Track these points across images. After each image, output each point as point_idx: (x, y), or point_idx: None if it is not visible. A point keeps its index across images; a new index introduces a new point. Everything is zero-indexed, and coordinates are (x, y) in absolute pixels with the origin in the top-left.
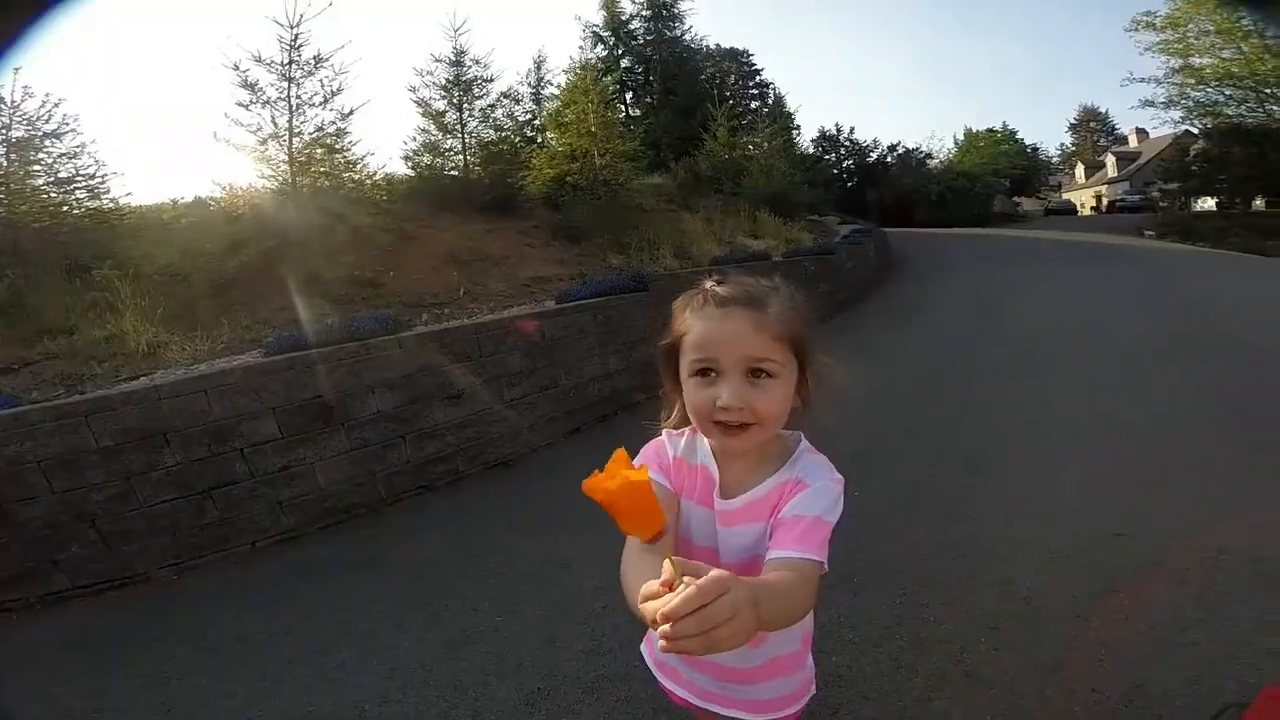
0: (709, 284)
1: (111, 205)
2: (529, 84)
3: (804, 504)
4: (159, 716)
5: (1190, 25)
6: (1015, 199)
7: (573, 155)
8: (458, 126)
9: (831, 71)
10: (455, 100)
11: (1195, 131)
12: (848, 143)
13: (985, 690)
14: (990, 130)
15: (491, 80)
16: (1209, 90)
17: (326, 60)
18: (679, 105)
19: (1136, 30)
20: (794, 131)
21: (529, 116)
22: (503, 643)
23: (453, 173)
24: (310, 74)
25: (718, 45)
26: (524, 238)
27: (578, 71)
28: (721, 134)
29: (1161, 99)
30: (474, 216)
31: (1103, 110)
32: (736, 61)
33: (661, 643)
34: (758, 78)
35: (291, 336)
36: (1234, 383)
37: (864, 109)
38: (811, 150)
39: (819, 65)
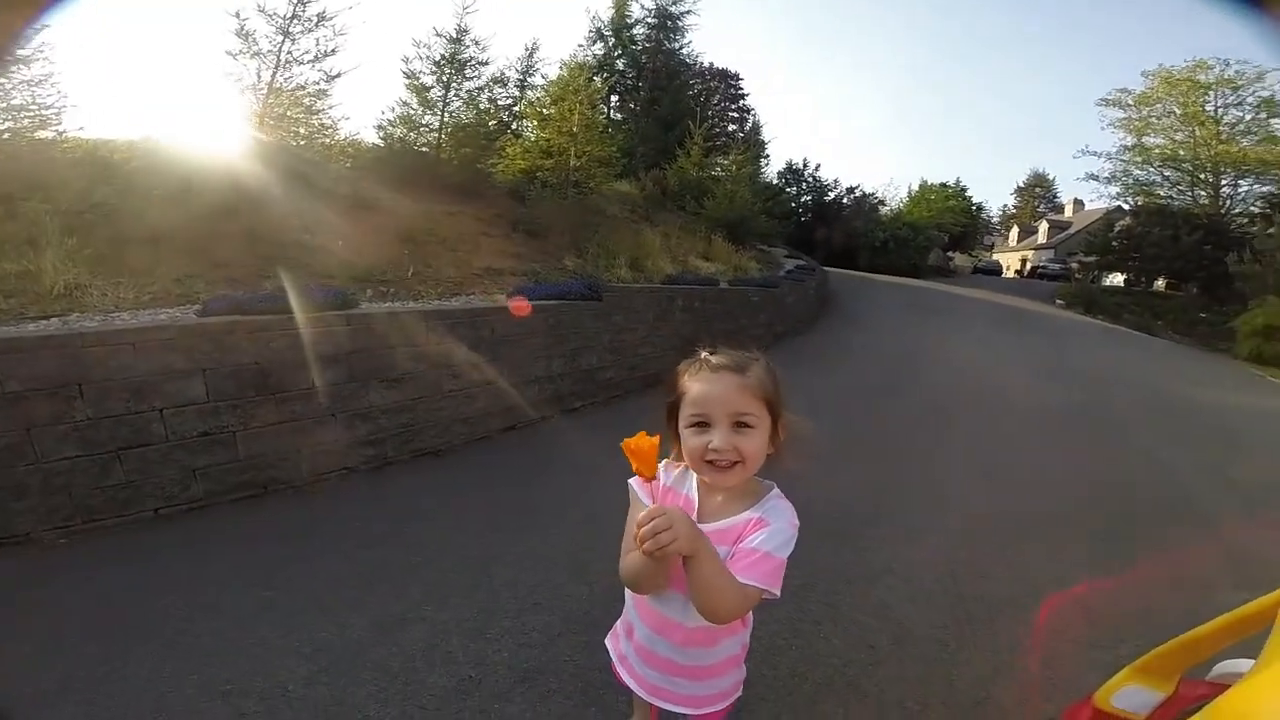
0: (704, 354)
1: (55, 136)
2: (517, 70)
3: (760, 540)
4: (54, 686)
5: (1159, 105)
6: (949, 253)
7: (548, 151)
8: (440, 104)
9: (812, 107)
10: (445, 78)
11: (1125, 208)
12: (810, 179)
13: (860, 697)
14: (943, 185)
15: (486, 63)
16: (1150, 170)
17: (330, 19)
18: (660, 116)
19: (1106, 106)
20: (763, 160)
21: (510, 102)
22: (433, 630)
23: (423, 149)
24: (309, 30)
25: (710, 64)
26: (483, 225)
27: (572, 68)
28: (695, 152)
29: (1106, 174)
30: (436, 197)
31: (1050, 177)
32: (725, 82)
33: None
34: (741, 101)
35: (232, 298)
36: (1104, 452)
37: (834, 149)
38: (775, 181)
39: (800, 99)
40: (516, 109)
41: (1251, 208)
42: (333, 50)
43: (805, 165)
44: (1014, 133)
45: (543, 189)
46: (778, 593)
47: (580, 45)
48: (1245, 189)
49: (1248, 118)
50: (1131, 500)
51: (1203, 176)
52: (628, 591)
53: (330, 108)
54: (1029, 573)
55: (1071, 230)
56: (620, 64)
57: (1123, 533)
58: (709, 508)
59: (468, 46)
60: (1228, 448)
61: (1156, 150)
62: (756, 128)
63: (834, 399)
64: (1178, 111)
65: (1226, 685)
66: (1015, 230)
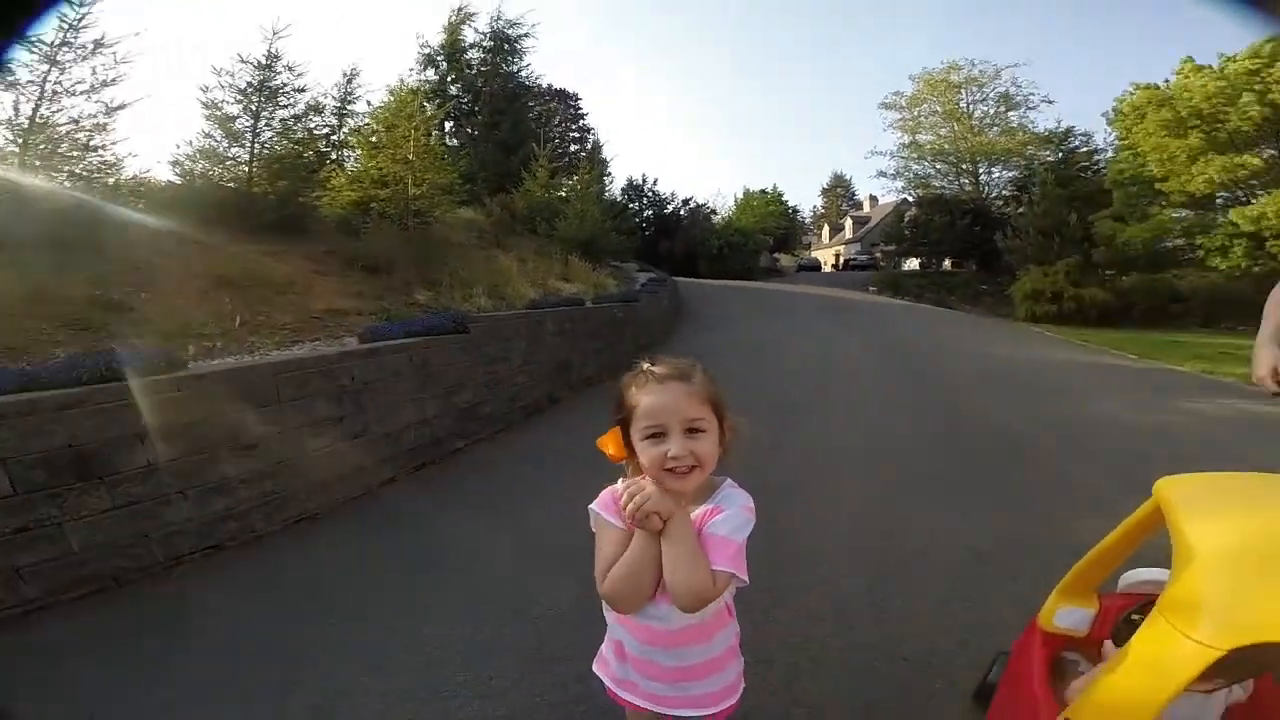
0: (646, 366)
1: None
2: (334, 97)
3: (716, 525)
4: None
5: (924, 105)
6: (775, 255)
7: (383, 180)
8: (249, 135)
9: (644, 123)
10: (254, 106)
11: (910, 200)
12: (650, 193)
13: (826, 670)
14: (763, 191)
15: (303, 90)
16: (925, 164)
17: (111, 45)
18: (502, 140)
19: (885, 109)
20: (607, 179)
21: (328, 131)
22: (382, 701)
23: (230, 185)
24: (84, 58)
25: (549, 85)
26: (314, 264)
27: (403, 94)
28: (541, 174)
29: (891, 170)
30: (253, 236)
31: (848, 177)
32: (565, 102)
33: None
34: (581, 120)
35: (22, 372)
36: (945, 409)
37: (666, 164)
38: (619, 198)
39: (634, 117)
40: (336, 138)
41: (1004, 191)
42: (113, 80)
43: (645, 180)
44: (816, 139)
45: (380, 220)
46: (745, 578)
47: (411, 70)
48: (997, 175)
49: (991, 111)
50: (973, 445)
51: (965, 166)
52: (609, 614)
53: (113, 143)
54: (924, 528)
55: (871, 224)
56: (454, 89)
57: (979, 476)
58: None
59: (279, 73)
60: (1035, 391)
61: (928, 146)
62: (597, 146)
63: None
64: (939, 110)
65: (1138, 593)
66: (826, 228)
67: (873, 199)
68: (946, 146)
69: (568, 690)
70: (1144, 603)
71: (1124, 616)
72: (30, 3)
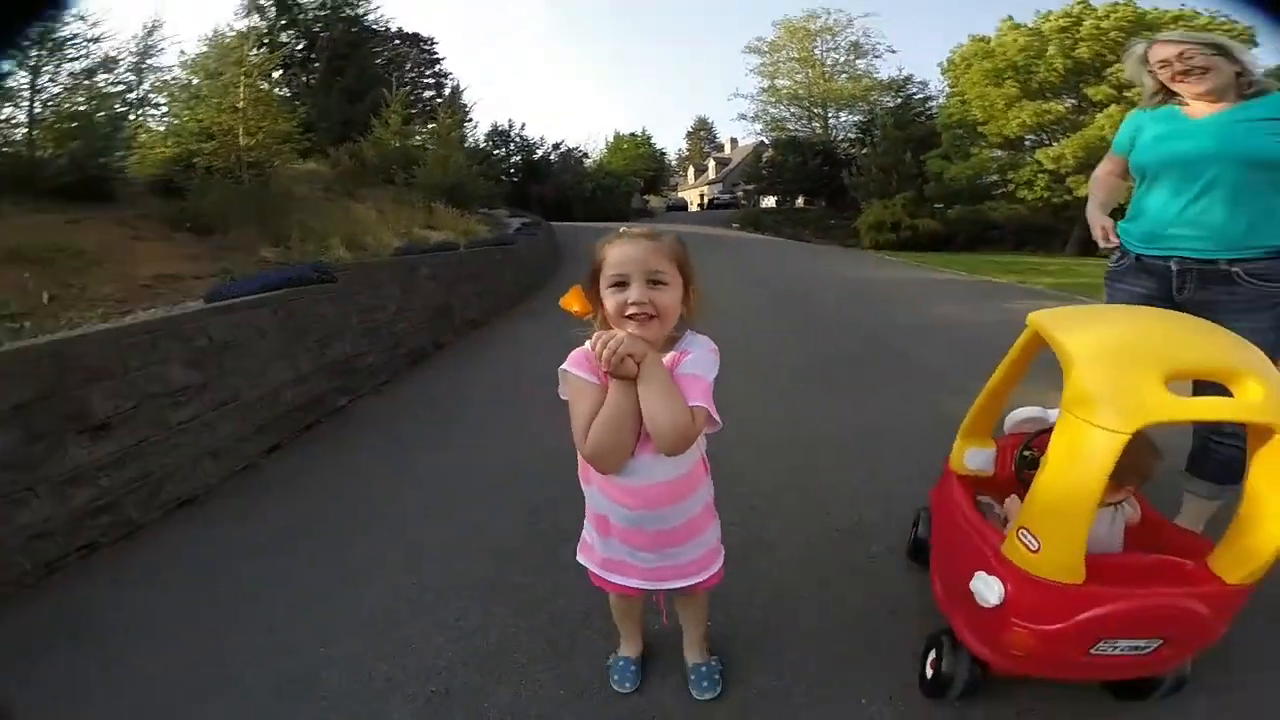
0: (622, 229)
1: None
2: (131, 51)
3: (686, 366)
4: None
5: (784, 51)
6: (645, 197)
7: (208, 133)
8: (26, 91)
9: (508, 67)
10: (34, 61)
11: (766, 141)
12: (518, 139)
13: (771, 552)
14: (633, 135)
15: (98, 40)
16: (781, 108)
17: None
18: (346, 87)
19: (749, 53)
20: (469, 125)
21: (123, 89)
22: (351, 666)
23: (5, 150)
24: None
25: (399, 29)
26: (129, 230)
27: (226, 40)
28: (394, 121)
29: (751, 114)
30: (45, 205)
31: (711, 121)
32: (418, 47)
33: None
34: (437, 66)
35: None
36: (822, 323)
37: (536, 108)
38: (484, 145)
39: (500, 61)
40: (135, 95)
41: (849, 134)
42: None
43: (511, 126)
44: (680, 82)
45: (208, 176)
46: (719, 420)
47: (236, 16)
48: (844, 118)
49: (842, 59)
50: (850, 348)
51: (816, 110)
52: (591, 486)
53: None
54: (818, 415)
55: (733, 165)
56: (285, 36)
57: (858, 373)
58: None
59: (68, 22)
60: (887, 304)
61: (784, 90)
62: (457, 91)
63: None
64: (796, 56)
65: (1021, 431)
66: (691, 170)
67: (733, 141)
68: (801, 92)
69: (539, 613)
70: (1030, 437)
71: (1018, 453)
72: None
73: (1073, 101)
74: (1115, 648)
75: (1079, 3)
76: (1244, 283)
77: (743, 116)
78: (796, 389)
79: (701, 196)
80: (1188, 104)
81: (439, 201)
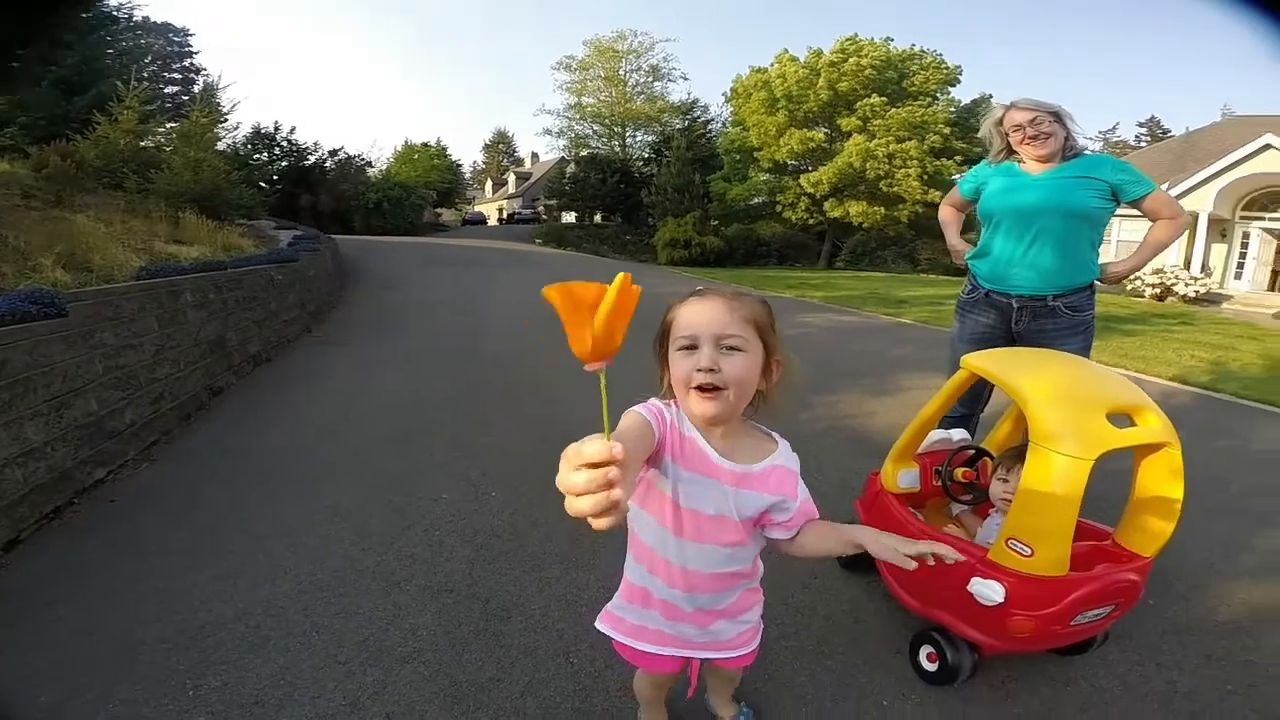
0: (699, 286)
1: None
2: None
3: (803, 490)
4: None
5: (592, 70)
6: (438, 210)
7: None
8: None
9: (274, 67)
10: None
11: (567, 158)
12: (285, 143)
13: None
14: (425, 144)
15: None
16: (585, 125)
17: None
18: (62, 78)
19: (558, 69)
20: (224, 124)
21: None
22: None
23: None
24: None
25: (145, 18)
26: None
27: None
28: (128, 117)
29: (556, 129)
30: None
31: (511, 134)
32: (166, 38)
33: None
34: (190, 59)
35: None
36: (638, 334)
37: (312, 111)
38: (246, 149)
39: (266, 59)
40: None
41: (644, 153)
42: None
43: (278, 129)
44: (477, 94)
45: None
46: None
47: None
48: (640, 138)
49: (642, 80)
50: None
51: (617, 129)
52: (640, 568)
53: None
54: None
55: (533, 179)
56: None
57: None
58: (722, 447)
59: None
60: None
61: (589, 108)
62: (212, 88)
63: (422, 347)
64: (604, 75)
65: (936, 450)
66: (490, 183)
67: (534, 155)
68: (604, 110)
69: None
70: (949, 456)
71: (941, 469)
72: None
73: (827, 130)
74: (1085, 618)
75: (849, 40)
76: (1063, 313)
77: (548, 132)
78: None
79: (501, 211)
80: (1024, 161)
81: (187, 211)
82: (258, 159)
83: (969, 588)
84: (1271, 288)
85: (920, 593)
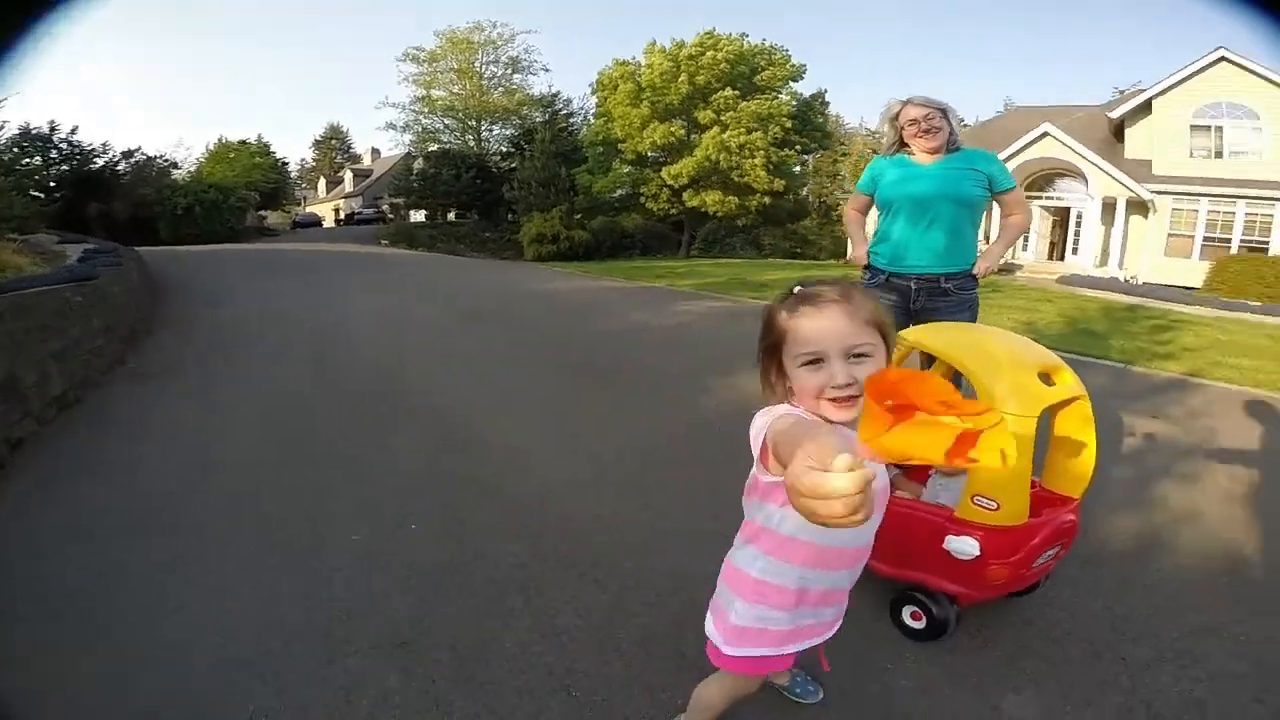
0: (796, 289)
1: None
2: None
3: None
4: None
5: (442, 62)
6: (261, 213)
7: None
8: None
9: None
10: None
11: (414, 153)
12: (65, 145)
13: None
14: (244, 141)
15: None
16: (435, 118)
17: None
18: None
19: (405, 61)
20: None
21: None
22: None
23: None
24: None
25: None
26: None
27: None
28: None
29: (402, 123)
30: None
31: (344, 129)
32: None
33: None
34: None
35: None
36: (544, 340)
37: (102, 111)
38: (13, 153)
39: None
40: None
41: (502, 147)
42: None
43: (54, 129)
44: (306, 87)
45: None
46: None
47: None
48: (497, 131)
49: (500, 73)
50: (591, 364)
51: (471, 123)
52: (790, 567)
53: None
54: (579, 438)
55: (375, 176)
56: None
57: (598, 387)
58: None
59: None
60: (588, 315)
61: (440, 101)
62: None
63: (272, 370)
64: (456, 67)
65: None
66: (323, 181)
67: (375, 151)
68: (457, 104)
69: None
70: None
71: None
72: None
73: (684, 123)
74: (1042, 558)
75: (707, 34)
76: (953, 293)
77: (391, 126)
78: (576, 411)
79: (338, 211)
80: (914, 154)
81: None
82: (28, 164)
83: (945, 545)
84: (1050, 257)
85: (892, 557)
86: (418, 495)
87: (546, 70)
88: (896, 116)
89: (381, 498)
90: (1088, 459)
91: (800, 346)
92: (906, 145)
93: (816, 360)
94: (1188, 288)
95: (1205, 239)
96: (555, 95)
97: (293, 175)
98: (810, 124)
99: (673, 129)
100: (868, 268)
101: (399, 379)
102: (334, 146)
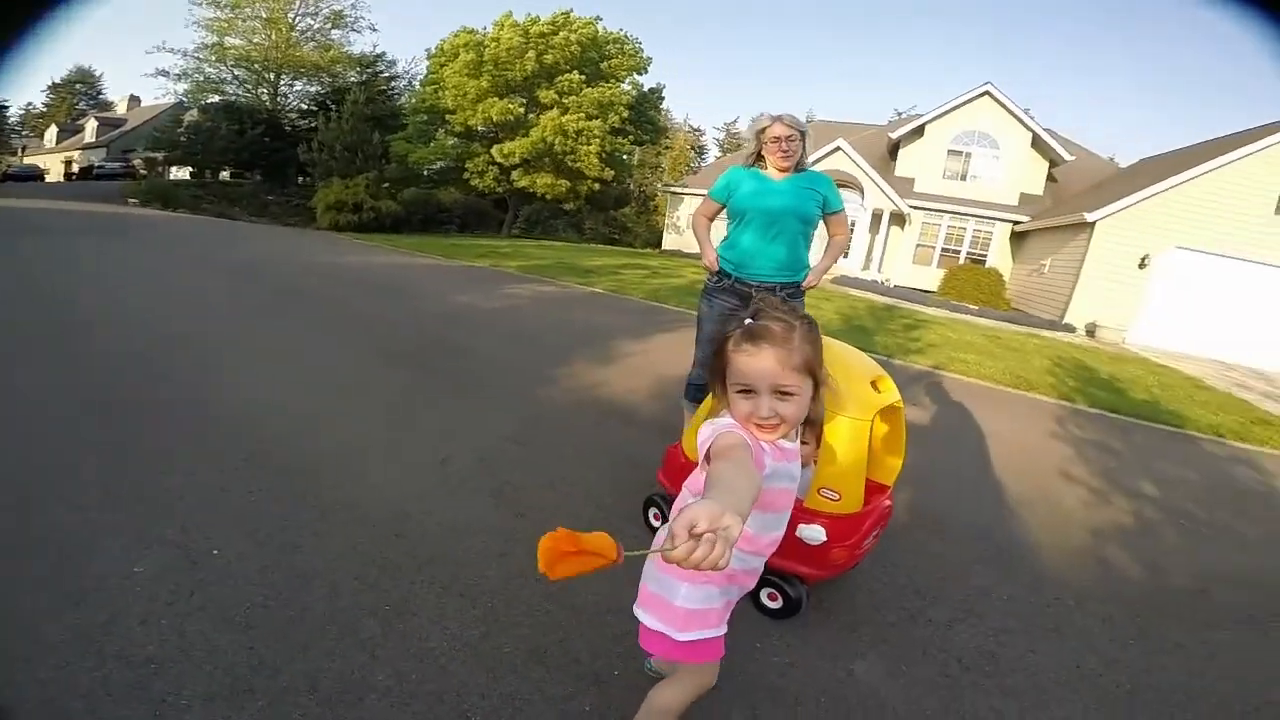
0: (747, 323)
1: None
2: None
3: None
4: None
5: (249, 9)
6: None
7: None
8: None
9: None
10: None
11: (188, 104)
12: None
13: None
14: None
15: None
16: (224, 68)
17: None
18: None
19: (199, 4)
20: None
21: None
22: None
23: None
24: None
25: None
26: None
27: None
28: None
29: (178, 70)
30: None
31: (98, 72)
32: None
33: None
34: None
35: None
36: (352, 322)
37: None
38: None
39: None
40: None
41: (301, 105)
42: None
43: None
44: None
45: None
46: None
47: None
48: (299, 88)
49: (317, 26)
50: (418, 351)
51: (269, 76)
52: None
53: None
54: (421, 431)
55: (128, 126)
56: None
57: (441, 376)
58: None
59: None
60: (405, 295)
61: (233, 50)
62: None
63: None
64: (264, 15)
65: None
66: (55, 130)
67: (134, 99)
68: (254, 55)
69: None
70: None
71: None
72: None
73: (524, 101)
74: (870, 540)
75: (563, 13)
76: (786, 302)
77: (164, 73)
78: (409, 407)
79: (70, 164)
80: (767, 169)
81: None
82: None
83: (797, 533)
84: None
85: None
86: (218, 515)
87: (374, 30)
88: (763, 131)
89: (165, 517)
90: (899, 453)
91: (736, 377)
92: (762, 159)
93: (749, 391)
94: (927, 291)
95: (943, 250)
96: (379, 56)
97: (12, 120)
98: (645, 116)
99: (511, 106)
100: (717, 272)
101: (171, 373)
102: (78, 91)
